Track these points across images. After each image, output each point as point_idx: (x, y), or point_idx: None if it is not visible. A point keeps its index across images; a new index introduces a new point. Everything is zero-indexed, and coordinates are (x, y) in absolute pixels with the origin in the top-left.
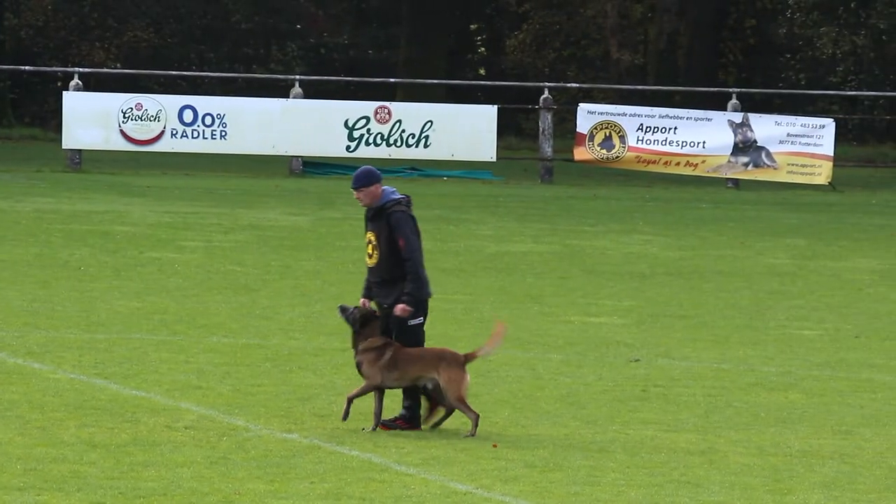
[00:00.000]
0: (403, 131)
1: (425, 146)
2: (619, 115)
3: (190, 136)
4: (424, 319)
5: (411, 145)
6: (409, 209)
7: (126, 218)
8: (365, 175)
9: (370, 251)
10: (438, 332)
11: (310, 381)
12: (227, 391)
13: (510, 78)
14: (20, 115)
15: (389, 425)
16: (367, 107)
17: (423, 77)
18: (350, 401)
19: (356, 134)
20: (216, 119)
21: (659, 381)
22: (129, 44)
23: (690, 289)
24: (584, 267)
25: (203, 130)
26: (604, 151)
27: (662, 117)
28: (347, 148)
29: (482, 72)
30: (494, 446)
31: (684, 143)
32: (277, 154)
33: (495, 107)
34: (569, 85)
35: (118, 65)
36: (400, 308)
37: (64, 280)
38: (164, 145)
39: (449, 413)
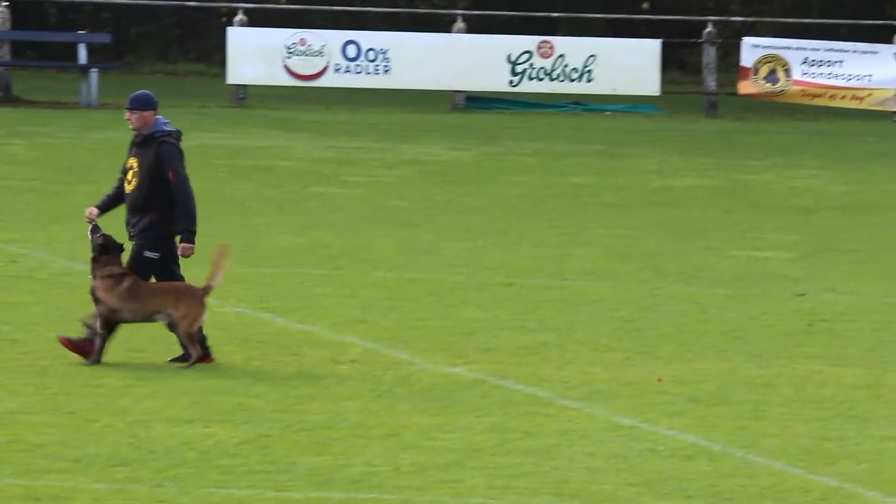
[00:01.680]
0: (566, 66)
1: (588, 80)
2: (783, 48)
3: (353, 70)
4: (164, 258)
5: (574, 80)
6: (179, 142)
7: (289, 153)
8: (142, 98)
9: (130, 178)
10: (601, 266)
11: (473, 316)
12: (391, 325)
13: (673, 11)
14: (185, 51)
15: (75, 344)
16: (530, 41)
17: (586, 11)
18: (87, 325)
19: (519, 68)
20: (379, 54)
21: (825, 315)
22: None
23: (856, 223)
24: (748, 201)
25: (366, 65)
26: (768, 85)
27: (828, 51)
28: (510, 83)
29: (645, 6)
30: (659, 380)
31: (850, 77)
32: (440, 89)
33: (659, 41)
34: (732, 19)
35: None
36: (182, 247)
37: (228, 215)
38: (328, 80)
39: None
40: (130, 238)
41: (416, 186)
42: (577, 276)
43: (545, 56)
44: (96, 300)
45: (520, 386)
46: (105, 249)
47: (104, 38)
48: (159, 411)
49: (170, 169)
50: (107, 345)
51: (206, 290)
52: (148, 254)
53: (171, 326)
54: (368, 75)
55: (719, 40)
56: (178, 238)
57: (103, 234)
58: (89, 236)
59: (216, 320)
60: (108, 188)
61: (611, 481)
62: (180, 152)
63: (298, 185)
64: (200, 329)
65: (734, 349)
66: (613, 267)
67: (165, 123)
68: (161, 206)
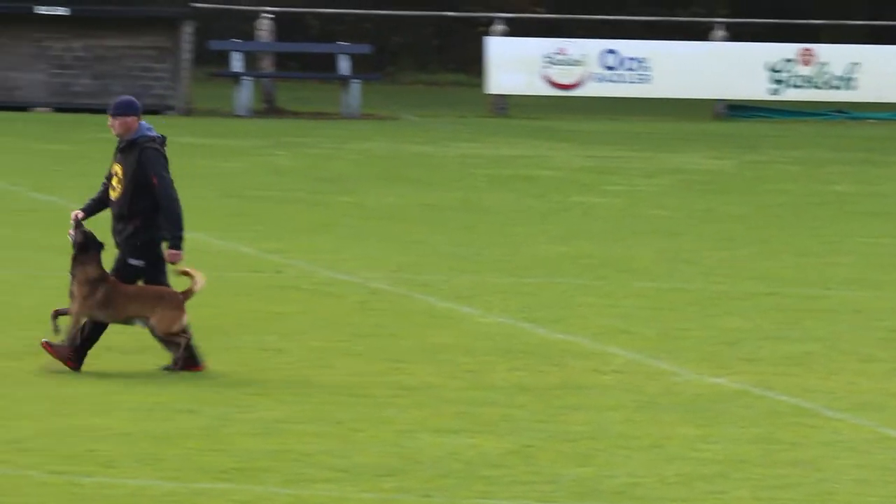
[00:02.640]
0: (829, 73)
1: (851, 88)
2: None
3: (612, 79)
4: (150, 266)
5: (836, 87)
6: (163, 148)
7: (549, 162)
8: (124, 104)
9: (115, 184)
10: (865, 275)
11: (736, 325)
12: (652, 335)
13: None
14: (445, 61)
15: (56, 349)
16: (791, 49)
17: (848, 18)
18: (55, 315)
19: (780, 76)
20: (638, 63)
21: None
22: None
23: None
24: None
25: (625, 74)
26: None
27: None
28: (771, 91)
29: None
30: None
31: None
32: (700, 97)
33: None
34: None
35: (540, 9)
36: (170, 253)
37: (488, 224)
38: (587, 90)
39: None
40: (117, 245)
41: (676, 195)
42: (840, 286)
43: (807, 64)
44: (71, 301)
45: (784, 397)
46: (84, 248)
47: (365, 49)
48: (424, 421)
49: (153, 175)
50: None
51: (187, 295)
52: (132, 261)
53: (152, 331)
54: (628, 84)
55: None
56: (165, 244)
57: (83, 231)
58: (71, 234)
59: (477, 330)
60: (366, 198)
61: (878, 494)
62: (164, 157)
63: (559, 194)
64: (187, 335)
65: None
66: (877, 276)
67: (149, 129)
68: (145, 213)
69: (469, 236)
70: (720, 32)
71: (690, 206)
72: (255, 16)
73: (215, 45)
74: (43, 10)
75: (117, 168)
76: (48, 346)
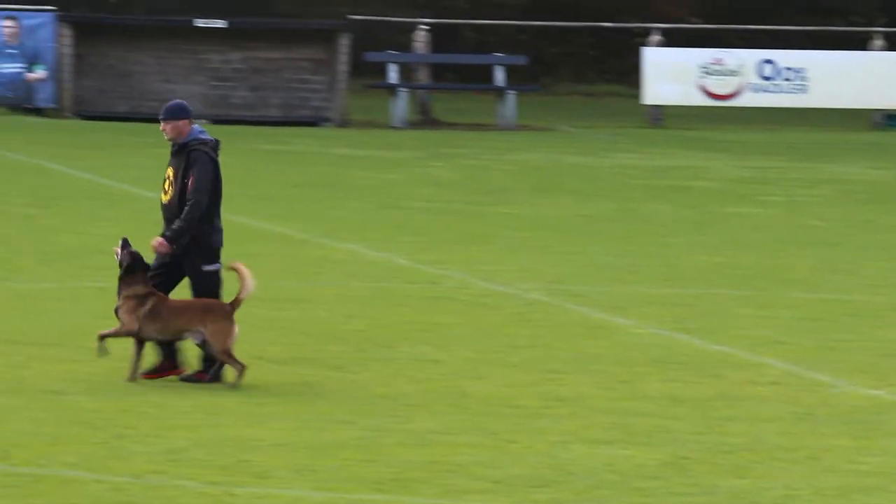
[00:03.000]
0: None
1: None
2: None
3: (769, 89)
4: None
5: None
6: (214, 153)
7: (706, 173)
8: (175, 108)
9: (166, 187)
10: None
11: (895, 337)
12: (810, 346)
13: None
14: (602, 72)
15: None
16: None
17: None
18: (101, 338)
19: None
20: (796, 73)
21: None
22: None
23: None
24: None
25: (782, 84)
26: None
27: None
28: None
29: None
30: None
31: None
32: (858, 107)
33: None
34: None
35: (697, 20)
36: (156, 241)
37: (644, 235)
38: (744, 100)
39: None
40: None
41: (834, 206)
42: None
43: None
44: (119, 319)
45: None
46: (131, 268)
47: (521, 60)
48: (578, 432)
49: (191, 174)
50: (140, 362)
51: (234, 305)
52: (207, 267)
53: (203, 345)
54: (785, 94)
55: None
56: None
57: (130, 252)
58: (117, 254)
59: (631, 341)
60: (523, 209)
61: None
62: (212, 161)
63: (715, 205)
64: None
65: None
66: None
67: (201, 132)
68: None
69: (625, 247)
70: (878, 42)
71: (849, 216)
72: (411, 27)
73: (371, 56)
74: (201, 22)
75: (170, 171)
76: (148, 376)
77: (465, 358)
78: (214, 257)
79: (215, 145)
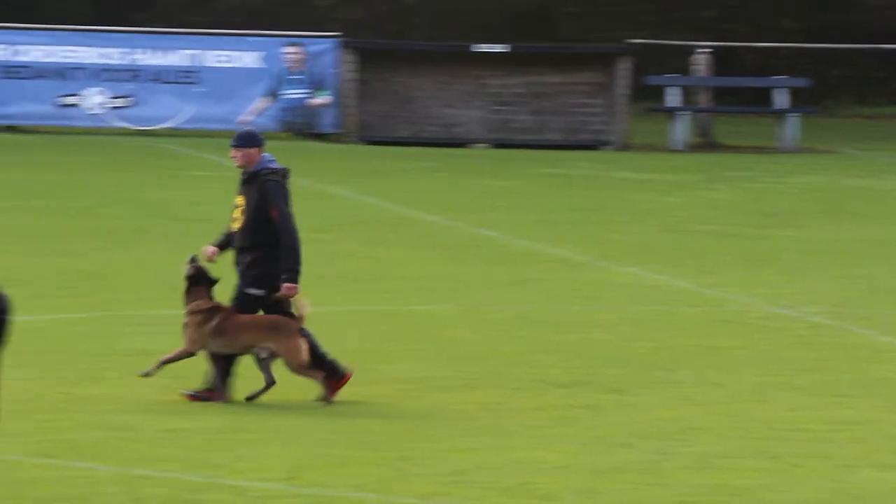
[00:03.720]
0: None
1: None
2: None
3: None
4: (269, 294)
5: None
6: (284, 181)
7: None
8: (246, 136)
9: (237, 215)
10: None
11: None
12: None
13: None
14: (887, 93)
15: (199, 396)
16: None
17: None
18: (161, 364)
19: None
20: None
21: None
22: None
23: None
24: None
25: None
26: None
27: None
28: None
29: None
30: None
31: None
32: None
33: None
34: None
35: None
36: (285, 287)
37: None
38: None
39: (269, 385)
40: (240, 277)
41: None
42: None
43: None
44: (185, 337)
45: None
46: (195, 281)
47: (803, 82)
48: (865, 456)
49: (273, 207)
50: (229, 379)
51: (301, 320)
52: (251, 291)
53: (270, 358)
54: None
55: None
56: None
57: (195, 266)
58: (183, 269)
59: None
60: (806, 232)
61: None
62: (285, 190)
63: None
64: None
65: None
66: None
67: (271, 161)
68: (265, 244)
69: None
70: None
71: None
72: (690, 50)
73: (652, 80)
74: (482, 47)
75: (240, 200)
76: (194, 398)
77: (749, 381)
78: (265, 282)
79: (285, 174)
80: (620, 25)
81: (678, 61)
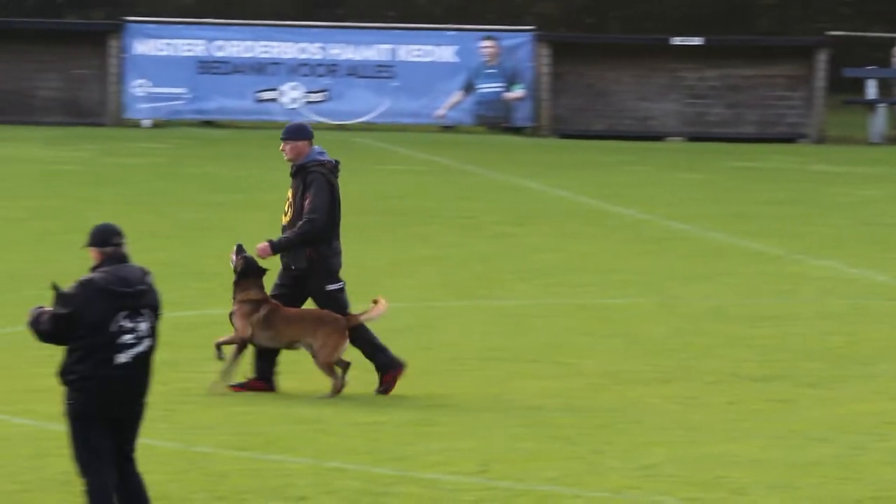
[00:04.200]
0: None
1: None
2: None
3: None
4: (343, 287)
5: None
6: (332, 174)
7: None
8: (295, 129)
9: (286, 208)
10: None
11: None
12: None
13: None
14: None
15: (245, 386)
16: None
17: None
18: (218, 346)
19: None
20: None
21: None
22: None
23: None
24: None
25: None
26: None
27: None
28: None
29: None
30: None
31: None
32: None
33: None
34: None
35: None
36: (261, 245)
37: None
38: None
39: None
40: (286, 269)
41: None
42: None
43: None
44: (233, 325)
45: None
46: (245, 273)
47: None
48: None
49: (308, 195)
50: (234, 367)
51: (350, 321)
52: (330, 287)
53: (315, 357)
54: None
55: None
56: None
57: (244, 257)
58: (232, 260)
59: None
60: None
61: None
62: (329, 183)
63: None
64: (344, 363)
65: None
66: None
67: (321, 153)
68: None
69: None
70: None
71: None
72: (889, 42)
73: (850, 72)
74: (678, 40)
75: (289, 193)
76: (238, 388)
77: None
78: (335, 278)
79: (334, 167)
80: (819, 18)
81: (877, 53)
